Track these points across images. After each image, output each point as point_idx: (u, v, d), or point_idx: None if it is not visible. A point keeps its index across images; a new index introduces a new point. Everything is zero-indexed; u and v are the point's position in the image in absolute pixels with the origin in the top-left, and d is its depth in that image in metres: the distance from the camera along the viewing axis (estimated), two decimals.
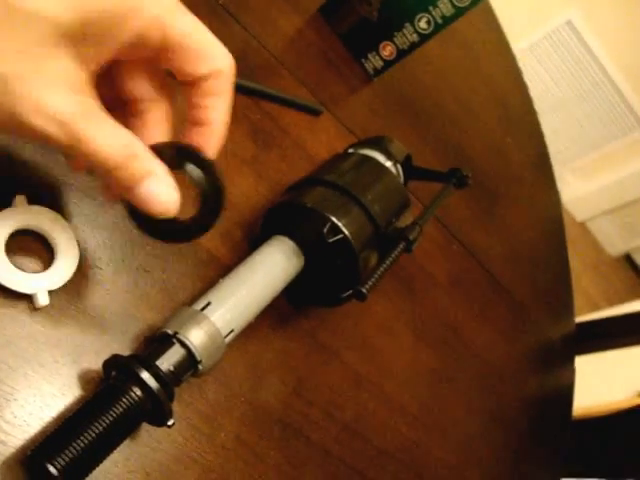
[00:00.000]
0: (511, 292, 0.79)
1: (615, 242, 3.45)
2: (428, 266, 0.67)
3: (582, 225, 3.42)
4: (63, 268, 0.37)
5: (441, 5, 0.64)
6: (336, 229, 0.42)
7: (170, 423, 0.34)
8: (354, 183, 0.45)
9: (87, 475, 0.32)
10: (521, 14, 2.55)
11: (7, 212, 0.35)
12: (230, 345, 0.39)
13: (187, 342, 0.36)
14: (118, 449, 0.34)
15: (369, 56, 0.72)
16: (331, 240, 0.42)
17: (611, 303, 2.60)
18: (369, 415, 0.52)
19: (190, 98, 0.31)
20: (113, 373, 0.34)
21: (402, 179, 0.55)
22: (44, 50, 0.23)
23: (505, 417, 0.70)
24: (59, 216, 0.37)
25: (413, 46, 0.68)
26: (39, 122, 0.24)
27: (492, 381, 0.70)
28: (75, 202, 0.40)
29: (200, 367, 0.37)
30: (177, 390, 0.35)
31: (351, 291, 0.44)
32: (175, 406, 0.37)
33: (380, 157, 0.52)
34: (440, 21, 0.65)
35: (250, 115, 0.55)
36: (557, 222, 1.03)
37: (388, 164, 0.52)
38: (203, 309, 0.38)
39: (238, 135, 0.53)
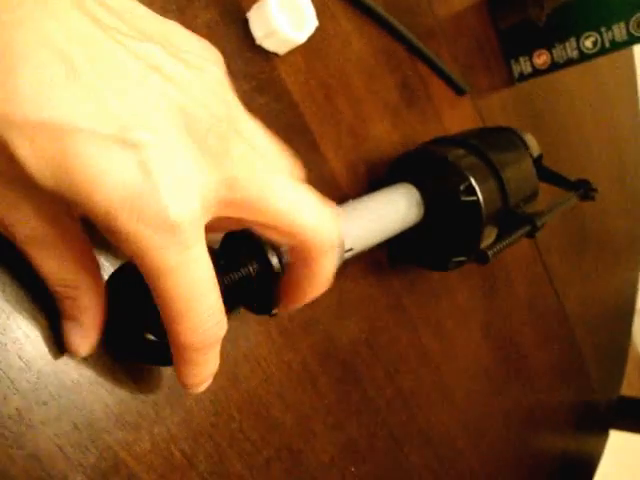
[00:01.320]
0: (575, 334, 0.78)
1: None
2: (513, 276, 0.66)
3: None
4: None
5: (615, 29, 0.62)
6: (471, 190, 0.42)
7: (275, 312, 0.33)
8: (496, 156, 0.45)
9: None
10: None
11: None
12: None
13: None
14: None
15: (520, 59, 0.70)
16: (464, 199, 0.41)
17: None
18: (423, 392, 0.51)
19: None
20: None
21: None
22: (21, 182, 0.21)
23: (532, 453, 0.68)
24: None
25: (570, 62, 0.67)
26: None
27: (532, 413, 0.68)
28: None
29: None
30: None
31: (465, 257, 0.43)
32: None
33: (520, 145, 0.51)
34: (608, 45, 0.64)
35: (405, 69, 0.54)
36: (631, 294, 1.01)
37: None
38: None
39: (389, 81, 0.52)
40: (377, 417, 0.47)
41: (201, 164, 0.22)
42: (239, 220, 0.26)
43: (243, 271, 0.30)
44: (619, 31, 0.62)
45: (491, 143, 0.47)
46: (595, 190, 0.52)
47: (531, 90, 0.75)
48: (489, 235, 0.44)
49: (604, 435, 0.87)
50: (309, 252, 0.27)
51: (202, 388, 0.28)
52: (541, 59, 0.69)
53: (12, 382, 0.28)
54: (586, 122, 0.92)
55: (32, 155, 0.19)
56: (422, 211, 0.44)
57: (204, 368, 0.27)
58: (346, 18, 0.49)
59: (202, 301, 0.24)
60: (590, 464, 0.84)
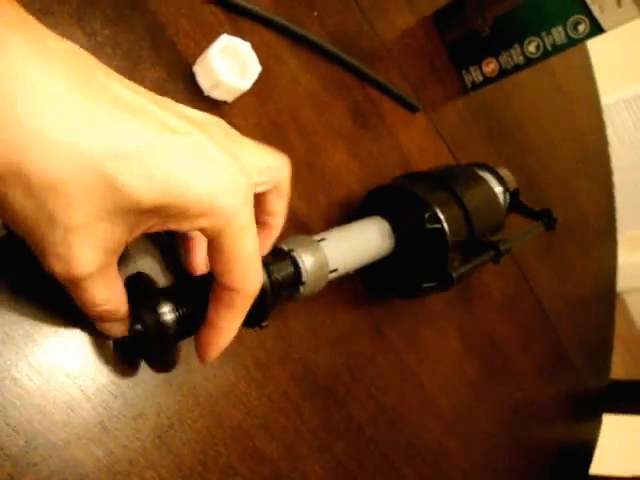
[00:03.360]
0: (556, 329, 0.79)
1: None
2: (486, 280, 0.67)
3: (618, 295, 3.35)
4: None
5: (555, 33, 0.65)
6: (435, 218, 0.44)
7: (265, 324, 0.35)
8: (461, 189, 0.48)
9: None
10: (616, 69, 2.47)
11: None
12: (294, 307, 0.42)
13: (299, 261, 0.38)
14: (173, 374, 0.36)
15: (470, 69, 0.73)
16: (428, 226, 0.43)
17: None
18: (406, 406, 0.53)
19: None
20: None
21: (506, 207, 0.57)
22: (107, 216, 0.24)
23: (527, 448, 0.69)
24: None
25: (517, 68, 0.69)
26: (52, 260, 0.24)
27: (521, 410, 0.70)
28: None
29: (300, 289, 0.39)
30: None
31: (434, 283, 0.46)
32: (234, 347, 0.38)
33: (493, 181, 0.55)
34: (550, 48, 0.66)
35: (355, 95, 0.56)
36: (610, 276, 1.03)
37: (498, 189, 0.55)
38: (319, 241, 0.41)
39: (339, 109, 0.54)
40: (363, 436, 0.48)
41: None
42: None
43: None
44: (558, 34, 0.65)
45: (457, 177, 0.50)
46: (556, 220, 0.55)
47: (486, 97, 0.77)
48: (455, 261, 0.46)
49: (597, 421, 0.88)
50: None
51: (215, 354, 0.32)
52: (490, 67, 0.71)
53: (2, 449, 0.29)
54: (545, 119, 0.94)
55: (134, 178, 0.23)
56: (393, 242, 0.47)
57: (236, 323, 0.31)
58: (291, 55, 0.51)
59: (258, 254, 0.29)
60: (586, 450, 0.85)
